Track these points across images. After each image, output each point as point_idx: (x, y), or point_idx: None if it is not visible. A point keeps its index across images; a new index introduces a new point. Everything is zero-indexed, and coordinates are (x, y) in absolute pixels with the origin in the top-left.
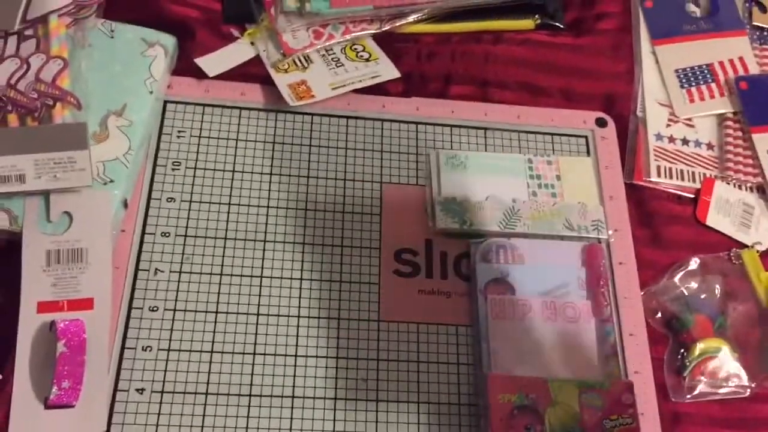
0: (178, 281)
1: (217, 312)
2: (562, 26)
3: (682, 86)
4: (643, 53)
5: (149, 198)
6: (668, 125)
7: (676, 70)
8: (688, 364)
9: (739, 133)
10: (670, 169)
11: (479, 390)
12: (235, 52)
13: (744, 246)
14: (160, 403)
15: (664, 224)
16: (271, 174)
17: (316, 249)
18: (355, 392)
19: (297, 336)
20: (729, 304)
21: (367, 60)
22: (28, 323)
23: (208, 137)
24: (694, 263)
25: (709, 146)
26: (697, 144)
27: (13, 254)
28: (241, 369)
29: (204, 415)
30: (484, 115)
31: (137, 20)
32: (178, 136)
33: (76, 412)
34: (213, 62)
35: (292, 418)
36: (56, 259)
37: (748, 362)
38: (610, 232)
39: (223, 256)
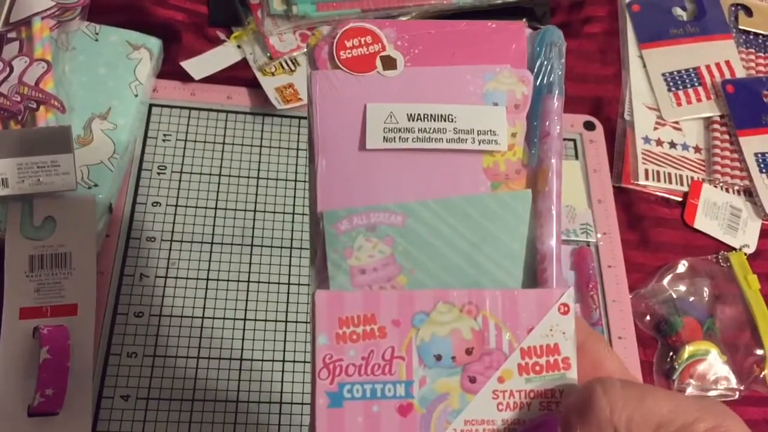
0: (164, 286)
1: (203, 317)
2: None
3: (669, 90)
4: (631, 57)
5: (134, 202)
6: (656, 128)
7: (663, 74)
8: (677, 367)
9: (726, 137)
10: (658, 172)
11: None
12: (222, 55)
13: (732, 249)
14: (146, 410)
15: (653, 227)
16: (258, 178)
17: (304, 253)
18: None
19: (284, 341)
20: (717, 307)
21: None
22: (11, 329)
23: (194, 141)
24: (682, 266)
25: (697, 149)
26: (685, 147)
27: None
28: (228, 375)
29: (190, 422)
30: None
31: (122, 23)
32: (164, 140)
33: (59, 419)
34: (199, 65)
35: (280, 425)
36: (39, 265)
37: (737, 365)
38: (599, 235)
39: (210, 261)
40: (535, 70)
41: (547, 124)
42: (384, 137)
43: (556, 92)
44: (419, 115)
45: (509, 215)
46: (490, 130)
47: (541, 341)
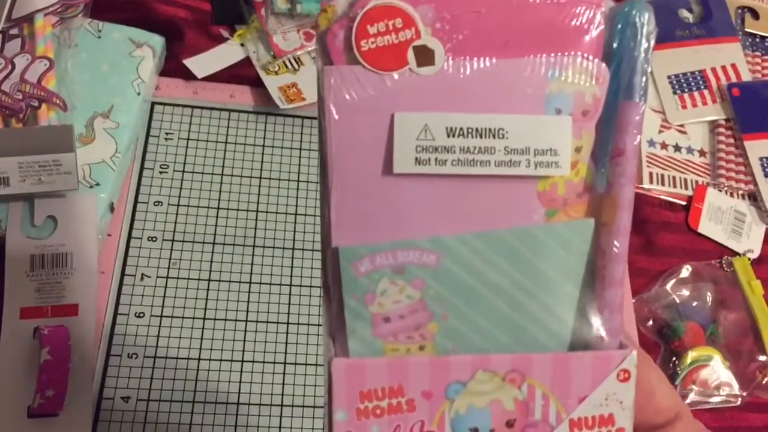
0: (165, 287)
1: (204, 318)
2: None
3: (674, 92)
4: None
5: (136, 202)
6: (661, 131)
7: (669, 76)
8: (679, 372)
9: (732, 140)
10: (663, 175)
11: None
12: (225, 54)
13: (735, 253)
14: (146, 411)
15: (657, 231)
16: (260, 177)
17: (306, 254)
18: None
19: (286, 343)
20: (720, 312)
21: None
22: (11, 329)
23: (197, 140)
24: (685, 271)
25: (702, 153)
26: (690, 151)
27: None
28: (229, 377)
29: (191, 424)
30: None
31: (125, 20)
32: (166, 139)
33: (59, 420)
34: (202, 63)
35: (280, 427)
36: (40, 264)
37: (740, 371)
38: None
39: (211, 261)
40: (612, 64)
41: (622, 139)
42: (416, 159)
43: (638, 97)
44: (461, 129)
45: (564, 251)
46: (551, 149)
47: (594, 411)
